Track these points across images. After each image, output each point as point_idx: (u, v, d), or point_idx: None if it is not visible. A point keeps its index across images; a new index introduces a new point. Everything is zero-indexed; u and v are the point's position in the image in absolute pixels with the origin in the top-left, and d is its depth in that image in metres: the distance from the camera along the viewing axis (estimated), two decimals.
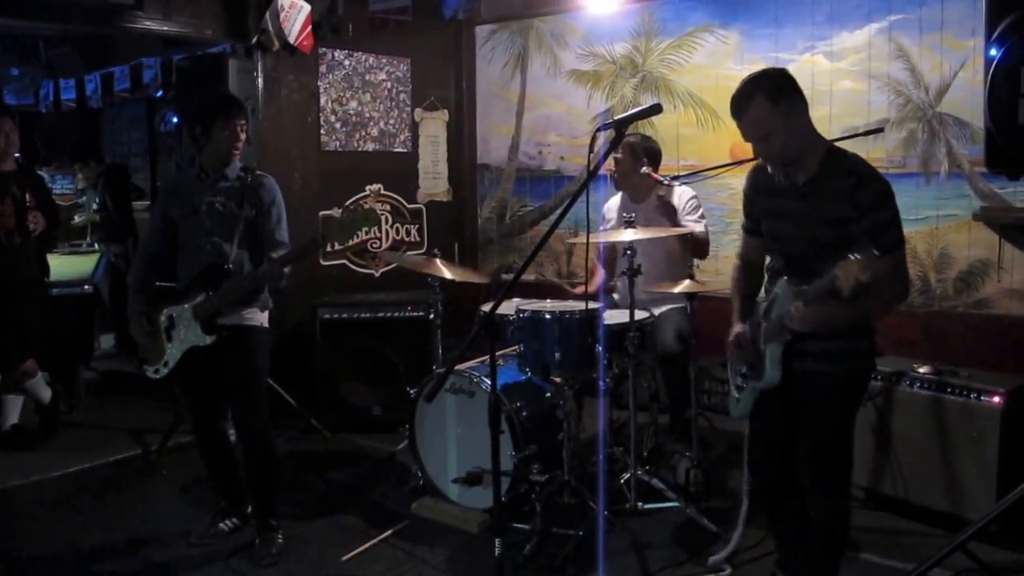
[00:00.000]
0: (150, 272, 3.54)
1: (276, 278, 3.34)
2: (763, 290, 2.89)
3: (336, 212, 4.91)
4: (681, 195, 4.22)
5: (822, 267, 2.36)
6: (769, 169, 2.71)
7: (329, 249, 5.48)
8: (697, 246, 4.16)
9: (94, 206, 6.64)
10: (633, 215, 3.72)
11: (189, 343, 3.36)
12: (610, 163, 4.23)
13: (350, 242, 5.31)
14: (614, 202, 4.47)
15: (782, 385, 2.67)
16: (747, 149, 2.74)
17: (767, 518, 3.03)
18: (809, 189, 2.59)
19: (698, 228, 4.14)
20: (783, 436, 2.80)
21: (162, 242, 3.54)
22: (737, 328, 2.82)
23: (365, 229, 5.47)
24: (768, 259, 2.84)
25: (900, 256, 2.54)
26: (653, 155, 4.21)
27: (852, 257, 2.23)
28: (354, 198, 5.56)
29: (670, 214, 4.09)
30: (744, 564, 3.27)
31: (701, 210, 4.23)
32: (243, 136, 3.43)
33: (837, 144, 2.70)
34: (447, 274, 3.89)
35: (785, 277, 2.63)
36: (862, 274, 2.22)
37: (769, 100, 2.51)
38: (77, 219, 6.48)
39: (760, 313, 2.74)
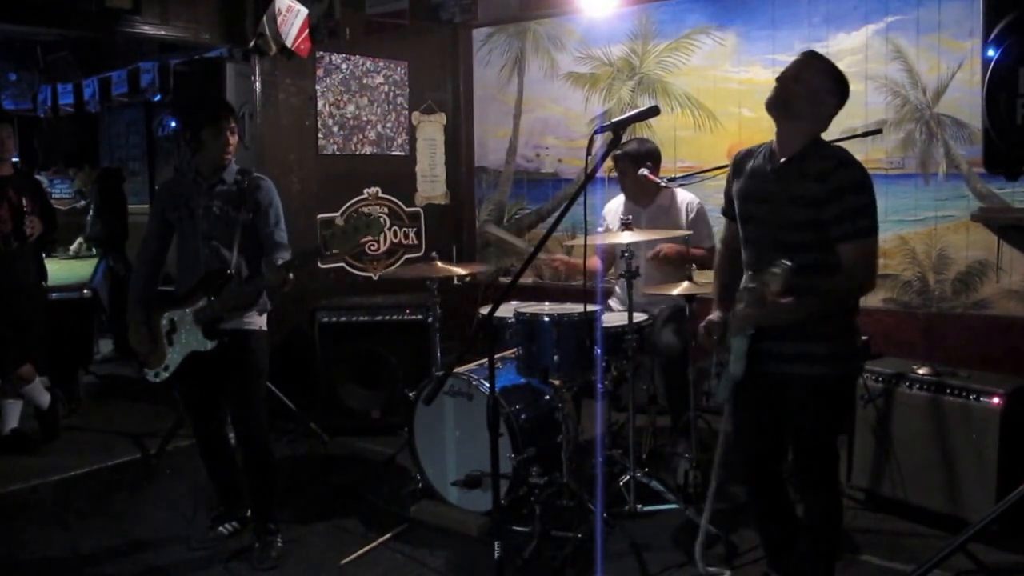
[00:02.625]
0: (150, 278, 3.54)
1: (280, 285, 3.25)
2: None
3: (339, 219, 4.90)
4: (689, 205, 4.22)
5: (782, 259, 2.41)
6: (761, 155, 2.70)
7: (328, 255, 5.46)
8: (703, 263, 4.08)
9: (91, 210, 6.65)
10: (631, 216, 3.73)
11: (190, 348, 3.35)
12: (608, 167, 4.23)
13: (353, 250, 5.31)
14: (613, 204, 4.46)
15: (761, 390, 2.67)
16: None
17: (755, 520, 3.03)
18: (785, 169, 2.59)
19: (708, 244, 4.17)
20: (765, 445, 2.80)
21: (160, 246, 3.54)
22: (711, 315, 2.84)
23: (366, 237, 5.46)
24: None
25: (871, 244, 2.55)
26: (653, 157, 4.21)
27: (772, 271, 2.36)
28: (352, 201, 5.56)
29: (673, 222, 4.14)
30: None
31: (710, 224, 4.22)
32: (233, 139, 3.42)
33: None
34: (453, 270, 3.91)
35: (750, 272, 2.61)
36: (777, 287, 2.36)
37: (831, 73, 2.60)
38: (81, 240, 6.51)
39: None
